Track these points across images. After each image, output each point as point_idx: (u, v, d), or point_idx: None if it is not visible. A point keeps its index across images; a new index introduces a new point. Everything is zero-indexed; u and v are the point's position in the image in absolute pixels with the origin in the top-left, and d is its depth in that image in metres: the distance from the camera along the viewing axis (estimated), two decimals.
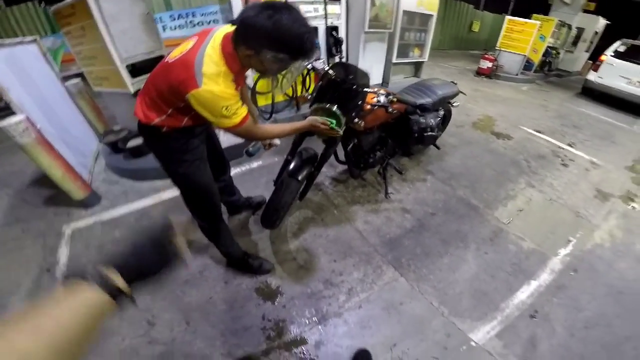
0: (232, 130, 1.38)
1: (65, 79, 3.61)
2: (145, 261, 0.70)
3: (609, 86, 6.87)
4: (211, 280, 2.14)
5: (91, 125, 3.88)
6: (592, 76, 7.18)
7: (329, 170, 3.23)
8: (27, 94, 2.72)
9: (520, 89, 7.42)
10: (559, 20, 8.23)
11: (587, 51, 10.34)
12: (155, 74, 1.40)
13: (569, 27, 9.16)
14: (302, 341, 1.80)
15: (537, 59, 8.32)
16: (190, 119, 1.44)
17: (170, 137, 1.47)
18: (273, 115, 3.90)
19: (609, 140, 4.83)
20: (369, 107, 2.12)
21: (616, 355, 1.84)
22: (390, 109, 2.10)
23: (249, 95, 1.92)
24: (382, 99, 2.13)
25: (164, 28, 5.73)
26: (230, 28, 1.30)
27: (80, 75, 3.76)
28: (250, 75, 3.51)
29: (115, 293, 0.61)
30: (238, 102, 1.32)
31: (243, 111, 1.35)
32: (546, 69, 9.00)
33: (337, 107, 1.84)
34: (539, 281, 2.23)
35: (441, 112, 3.02)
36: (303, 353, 1.75)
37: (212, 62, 1.23)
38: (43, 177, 3.40)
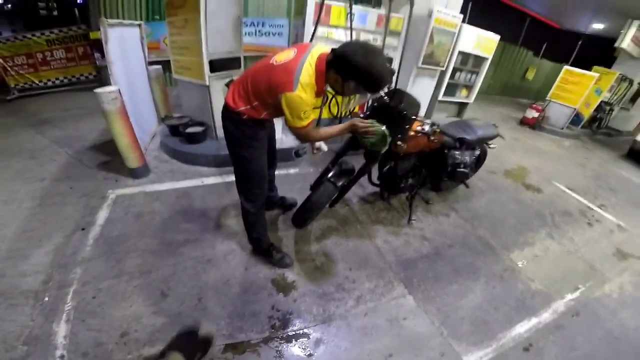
0: (298, 129, 1.69)
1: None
2: None
3: None
4: (233, 265, 2.33)
5: (156, 108, 4.32)
6: None
7: (359, 190, 3.43)
8: (123, 70, 3.13)
9: (563, 143, 7.28)
10: (620, 74, 7.83)
11: None
12: (258, 71, 1.71)
13: (631, 82, 8.53)
14: (304, 335, 1.92)
15: (587, 113, 7.93)
16: (267, 114, 1.78)
17: (246, 124, 1.79)
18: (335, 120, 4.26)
19: None
20: (412, 133, 2.35)
21: None
22: (432, 137, 2.34)
23: None
24: (427, 127, 2.37)
25: (257, 32, 6.27)
26: (324, 49, 1.67)
27: (160, 63, 4.24)
28: None
29: None
30: (313, 110, 1.66)
31: (311, 117, 1.69)
32: (595, 126, 8.58)
33: (386, 127, 2.03)
34: (539, 319, 2.29)
35: (477, 152, 3.16)
36: (302, 347, 1.86)
37: (307, 74, 1.54)
38: (102, 145, 3.84)
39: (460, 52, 5.04)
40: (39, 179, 3.12)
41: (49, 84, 6.14)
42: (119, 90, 2.77)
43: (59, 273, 2.09)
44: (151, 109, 4.17)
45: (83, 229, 2.50)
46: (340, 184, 2.31)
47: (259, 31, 6.72)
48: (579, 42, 11.94)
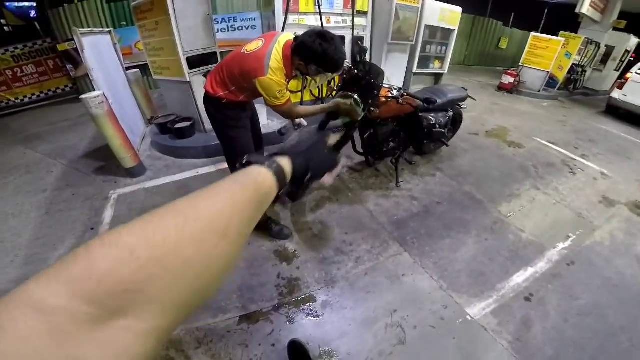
0: (278, 108, 1.87)
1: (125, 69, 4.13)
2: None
3: (632, 104, 6.69)
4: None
5: (141, 111, 4.38)
6: (616, 94, 7.01)
7: (347, 161, 3.53)
8: (103, 75, 3.18)
9: (541, 104, 7.45)
10: (586, 38, 8.14)
11: (617, 70, 9.84)
12: (231, 60, 1.87)
13: (597, 45, 8.91)
14: (311, 299, 2.01)
15: (561, 76, 8.24)
16: (245, 97, 1.94)
17: (227, 107, 1.95)
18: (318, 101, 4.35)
19: (624, 156, 4.78)
20: (383, 99, 2.50)
21: (609, 343, 1.87)
22: (400, 101, 2.47)
23: None
24: (395, 92, 2.53)
25: (230, 28, 6.33)
26: (289, 36, 1.83)
27: (136, 67, 4.27)
28: None
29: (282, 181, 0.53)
30: (286, 90, 1.84)
31: (287, 96, 1.86)
32: (571, 87, 8.84)
33: (357, 96, 2.17)
34: (535, 268, 2.35)
35: (450, 113, 3.30)
36: (310, 310, 1.95)
37: (275, 60, 1.73)
38: (94, 152, 3.88)
39: (427, 26, 5.17)
40: (40, 191, 3.18)
41: (26, 100, 6.06)
42: (104, 94, 2.83)
43: None
44: (136, 112, 4.22)
45: (92, 229, 2.59)
46: None
47: (232, 26, 6.74)
48: (545, 10, 12.21)
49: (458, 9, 5.57)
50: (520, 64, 8.20)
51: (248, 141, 2.14)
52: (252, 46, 1.81)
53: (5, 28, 6.75)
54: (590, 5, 7.60)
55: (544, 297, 2.13)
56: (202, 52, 3.52)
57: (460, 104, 3.50)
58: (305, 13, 3.94)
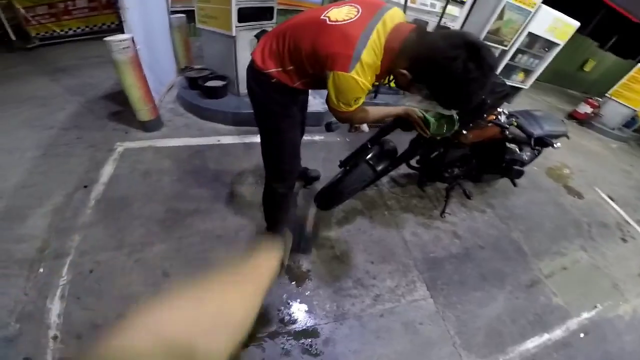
0: (340, 114, 1.33)
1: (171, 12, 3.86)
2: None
3: None
4: (244, 243, 2.16)
5: (176, 59, 4.09)
6: None
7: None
8: (141, 17, 2.90)
9: (610, 145, 6.77)
10: None
11: None
12: (301, 27, 1.31)
13: None
14: (314, 333, 1.82)
15: None
16: (302, 84, 1.42)
17: (276, 89, 1.43)
18: (378, 95, 3.93)
19: None
20: (486, 122, 2.02)
21: None
22: (507, 133, 1.98)
23: None
24: (503, 119, 2.01)
25: None
26: (401, 16, 1.24)
27: (184, 12, 3.94)
28: None
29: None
30: (366, 94, 1.27)
31: (362, 101, 1.31)
32: None
33: (457, 113, 1.74)
34: (551, 335, 2.22)
35: (538, 150, 2.84)
36: (310, 346, 1.76)
37: (373, 51, 1.15)
38: (115, 94, 3.64)
39: (530, 34, 4.55)
40: (47, 127, 2.99)
41: (70, 32, 6.04)
42: (132, 38, 2.55)
43: (56, 239, 1.95)
44: (170, 58, 3.96)
45: (85, 187, 2.36)
46: (380, 168, 2.03)
47: None
48: None
49: (575, 23, 4.90)
50: (607, 95, 7.31)
51: (294, 137, 1.68)
52: (340, 13, 1.19)
53: None
54: None
55: None
56: (258, 5, 3.12)
57: (555, 140, 3.00)
58: None
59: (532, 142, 2.09)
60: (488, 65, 1.06)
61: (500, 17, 4.03)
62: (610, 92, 7.22)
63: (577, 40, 10.84)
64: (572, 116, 7.47)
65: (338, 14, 1.20)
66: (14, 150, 2.66)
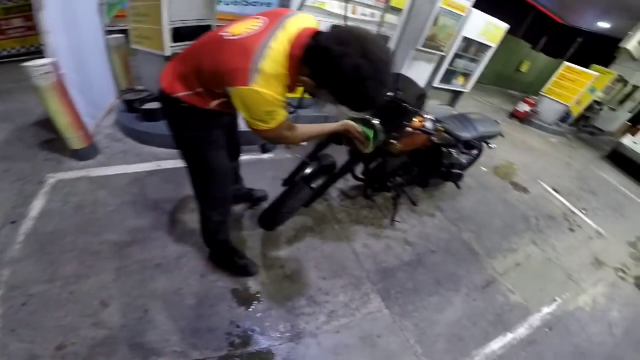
0: (262, 133, 1.25)
1: (109, 32, 3.69)
2: None
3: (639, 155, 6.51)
4: (186, 270, 2.06)
5: (116, 81, 3.89)
6: (627, 140, 6.77)
7: (340, 183, 3.16)
8: (67, 40, 2.73)
9: (549, 139, 7.35)
10: (618, 75, 7.93)
11: (630, 112, 9.49)
12: (204, 45, 1.26)
13: (625, 82, 8.71)
14: (268, 356, 1.75)
15: (577, 111, 8.05)
16: (218, 105, 1.34)
17: (191, 113, 1.34)
18: (297, 110, 3.81)
19: (620, 213, 4.83)
20: (410, 130, 2.03)
21: None
22: (434, 138, 2.02)
23: None
24: (429, 124, 2.03)
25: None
26: (308, 21, 1.20)
27: (123, 31, 3.78)
28: None
29: None
30: (281, 107, 1.19)
31: (282, 115, 1.22)
32: (581, 124, 8.73)
33: (380, 122, 1.76)
34: (514, 334, 2.26)
35: (474, 151, 2.97)
36: None
37: (273, 60, 1.09)
38: (47, 121, 3.36)
39: (464, 38, 4.79)
40: None
41: (4, 53, 5.65)
42: (54, 63, 2.39)
43: None
44: (108, 81, 3.75)
45: (13, 222, 2.17)
46: (317, 185, 2.02)
47: None
48: (579, 39, 11.90)
49: (505, 26, 5.21)
50: (541, 93, 7.92)
51: (222, 161, 1.57)
52: (241, 27, 1.15)
53: None
54: (639, 42, 7.36)
55: None
56: (195, 24, 3.06)
57: (489, 140, 3.13)
58: None
59: (463, 145, 2.17)
60: (379, 60, 1.03)
61: (436, 22, 4.20)
62: (543, 90, 7.85)
63: (511, 42, 11.74)
64: (514, 115, 8.01)
65: (238, 28, 1.16)
66: None
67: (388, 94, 1.79)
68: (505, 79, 12.57)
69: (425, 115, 2.10)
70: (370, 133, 1.69)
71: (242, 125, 1.54)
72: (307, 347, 1.83)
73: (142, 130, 3.16)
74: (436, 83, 5.22)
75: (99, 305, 1.79)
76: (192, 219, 2.43)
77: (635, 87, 9.11)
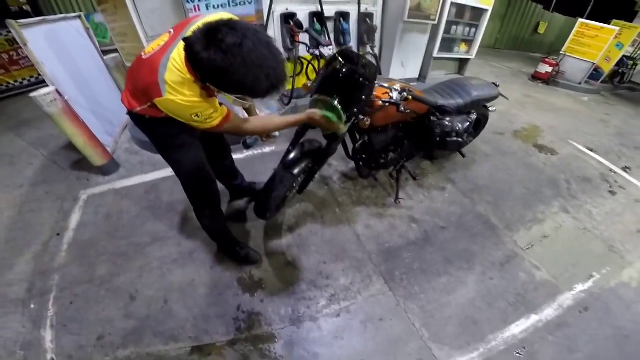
0: (214, 130, 1.32)
1: (110, 52, 3.77)
2: None
3: None
4: (198, 263, 2.14)
5: None
6: None
7: (340, 164, 3.02)
8: (63, 67, 2.83)
9: (580, 99, 6.49)
10: None
11: None
12: (132, 67, 1.31)
13: None
14: (271, 338, 1.75)
15: (607, 68, 7.12)
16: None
17: (155, 123, 1.37)
18: (292, 100, 3.70)
19: None
20: (379, 102, 1.86)
21: None
22: (402, 108, 1.81)
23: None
24: (395, 95, 1.84)
25: (207, 6, 5.65)
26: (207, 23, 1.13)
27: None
28: None
29: None
30: (211, 106, 1.23)
31: (219, 113, 1.28)
32: (617, 80, 7.71)
33: (339, 100, 1.64)
34: (540, 316, 1.96)
35: (473, 116, 2.65)
36: (268, 350, 1.71)
37: (175, 68, 1.13)
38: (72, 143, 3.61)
39: (453, 3, 4.37)
40: (17, 186, 3.04)
41: (25, 82, 5.87)
42: (56, 90, 2.46)
43: (39, 280, 2.10)
44: (116, 99, 3.84)
45: (58, 234, 2.45)
46: (297, 170, 1.90)
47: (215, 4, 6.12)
48: None
49: None
50: (561, 52, 7.12)
51: (198, 163, 1.60)
52: (153, 45, 1.23)
53: (11, 7, 6.47)
54: None
55: (537, 350, 1.79)
56: None
57: (488, 104, 2.82)
58: None
59: (437, 111, 1.97)
60: (231, 44, 0.98)
61: None
62: (563, 49, 7.10)
63: (520, 5, 10.74)
64: (535, 77, 7.25)
65: (150, 47, 1.22)
66: None
67: (339, 67, 1.71)
68: (524, 42, 11.50)
69: (391, 85, 1.90)
70: (332, 116, 1.64)
71: None
72: (308, 330, 1.80)
73: None
74: (435, 53, 4.82)
75: (128, 298, 1.96)
76: None
77: None
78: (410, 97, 1.85)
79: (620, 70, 7.57)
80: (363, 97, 1.72)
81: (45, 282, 2.09)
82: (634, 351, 1.82)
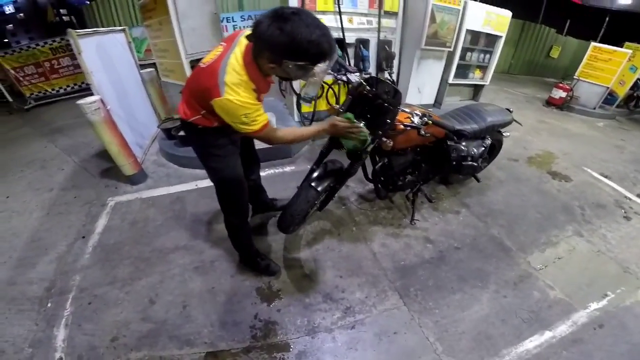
0: (251, 135, 1.48)
1: (143, 67, 4.03)
2: None
3: None
4: (219, 271, 2.26)
5: (155, 111, 4.25)
6: None
7: (358, 186, 3.16)
8: (108, 78, 3.09)
9: (596, 124, 6.54)
10: None
11: None
12: (192, 76, 1.53)
13: None
14: (285, 347, 1.81)
15: (622, 92, 7.19)
16: (219, 122, 1.49)
17: (205, 133, 1.57)
18: (313, 122, 3.90)
19: None
20: (401, 127, 2.00)
21: None
22: (422, 132, 1.93)
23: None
24: (416, 119, 1.96)
25: (234, 27, 6.04)
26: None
27: (154, 64, 4.16)
28: (297, 82, 3.59)
29: None
30: (258, 110, 1.39)
31: (263, 118, 1.43)
32: (632, 104, 7.70)
33: (365, 123, 1.81)
34: (554, 332, 2.00)
35: (487, 141, 2.78)
36: (283, 359, 1.76)
37: (234, 71, 1.29)
38: (105, 152, 3.82)
39: (468, 31, 4.59)
40: (47, 189, 3.25)
41: (61, 91, 6.27)
42: (101, 99, 2.70)
43: (60, 280, 2.20)
44: (149, 112, 4.10)
45: (84, 237, 2.59)
46: (321, 188, 2.04)
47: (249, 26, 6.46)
48: (606, 19, 10.74)
49: (507, 13, 4.93)
50: (575, 77, 7.23)
51: (235, 173, 1.78)
52: (211, 55, 1.40)
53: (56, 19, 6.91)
54: None
55: None
56: None
57: (502, 129, 2.95)
58: (324, 12, 3.54)
59: (455, 135, 2.11)
60: (289, 15, 1.16)
61: (433, 19, 4.06)
62: (577, 73, 7.18)
63: (534, 30, 10.92)
64: (549, 103, 7.33)
65: (208, 57, 1.40)
66: (23, 212, 2.93)
67: (366, 91, 1.87)
68: (538, 67, 11.64)
69: (412, 111, 2.03)
70: (352, 116, 1.76)
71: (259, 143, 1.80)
72: (323, 341, 1.86)
73: (180, 155, 3.43)
74: (451, 79, 5.00)
75: (148, 302, 2.03)
76: (223, 228, 2.58)
77: None
78: (430, 121, 1.98)
79: (635, 95, 7.58)
80: (388, 120, 1.88)
81: (67, 282, 2.18)
82: None
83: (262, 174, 2.52)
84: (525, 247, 2.68)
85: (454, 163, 2.57)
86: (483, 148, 2.71)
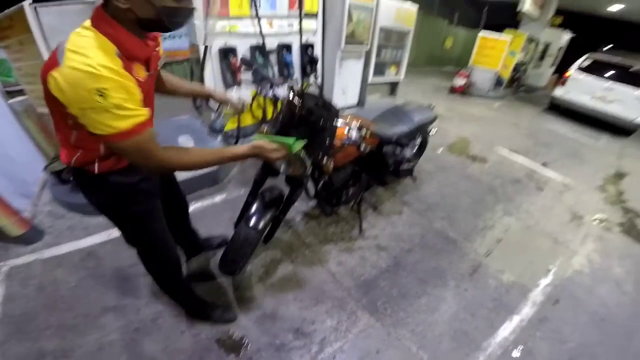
0: (116, 140, 0.95)
1: (16, 94, 3.31)
2: None
3: (573, 102, 7.20)
4: (166, 329, 1.98)
5: (40, 149, 3.55)
6: (558, 92, 7.48)
7: (301, 205, 3.09)
8: None
9: (492, 106, 7.71)
10: (528, 36, 8.58)
11: (552, 66, 10.86)
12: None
13: (537, 42, 9.62)
14: None
15: (507, 74, 8.62)
16: (116, 155, 1.16)
17: (106, 181, 1.20)
18: (240, 140, 3.69)
19: (578, 159, 5.12)
20: (339, 144, 1.94)
21: None
22: (362, 147, 1.89)
23: None
24: (354, 134, 1.88)
25: None
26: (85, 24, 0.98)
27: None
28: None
29: None
30: (130, 93, 0.93)
31: (139, 113, 0.96)
32: (515, 85, 9.38)
33: (303, 145, 1.57)
34: (521, 315, 2.24)
35: (418, 141, 2.99)
36: None
37: (78, 35, 0.92)
38: None
39: (382, 28, 4.92)
40: None
41: None
42: None
43: None
44: (31, 151, 3.39)
45: None
46: (262, 225, 1.88)
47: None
48: (485, 9, 12.75)
49: (414, 7, 5.41)
50: (470, 65, 8.38)
51: (162, 228, 1.52)
52: None
53: None
54: (532, 2, 7.99)
55: (532, 348, 2.05)
56: None
57: (428, 128, 3.19)
58: (239, 17, 3.34)
59: (396, 143, 2.24)
60: None
61: (350, 18, 4.27)
62: (470, 61, 8.42)
63: (431, 22, 12.29)
64: (453, 90, 8.40)
65: None
66: None
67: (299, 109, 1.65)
68: (437, 58, 13.08)
69: (349, 122, 1.96)
70: (290, 140, 1.39)
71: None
72: None
73: (80, 201, 2.92)
74: (370, 78, 5.32)
75: None
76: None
77: (547, 44, 10.21)
78: (368, 134, 1.91)
79: (517, 76, 9.20)
80: (327, 139, 1.75)
81: None
82: (614, 331, 2.21)
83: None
84: (468, 235, 2.97)
85: (392, 168, 2.71)
86: (415, 148, 2.91)
